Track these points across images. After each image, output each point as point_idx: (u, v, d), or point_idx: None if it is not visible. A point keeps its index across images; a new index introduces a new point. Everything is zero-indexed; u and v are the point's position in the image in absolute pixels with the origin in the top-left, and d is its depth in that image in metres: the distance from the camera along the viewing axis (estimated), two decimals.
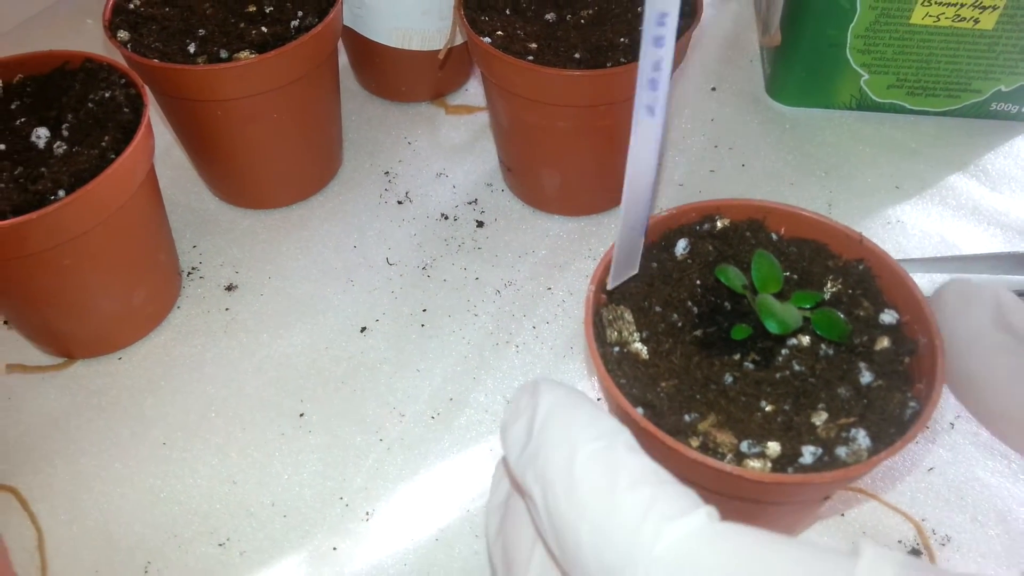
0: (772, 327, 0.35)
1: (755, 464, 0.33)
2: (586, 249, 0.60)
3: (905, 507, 0.47)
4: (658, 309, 0.39)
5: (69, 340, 0.53)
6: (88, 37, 0.77)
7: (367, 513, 0.47)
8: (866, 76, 0.67)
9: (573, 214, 0.62)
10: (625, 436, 0.28)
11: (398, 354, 0.54)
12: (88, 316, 0.52)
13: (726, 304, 0.39)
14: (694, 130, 0.68)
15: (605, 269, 0.39)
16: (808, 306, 0.37)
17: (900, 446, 0.33)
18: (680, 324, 0.38)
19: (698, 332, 0.38)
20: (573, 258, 0.59)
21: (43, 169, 0.47)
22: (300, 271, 0.59)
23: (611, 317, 0.38)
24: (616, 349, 0.37)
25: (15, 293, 0.49)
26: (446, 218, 0.62)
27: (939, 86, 0.66)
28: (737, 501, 0.35)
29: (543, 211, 0.62)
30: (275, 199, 0.63)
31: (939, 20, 0.62)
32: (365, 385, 0.53)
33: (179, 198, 0.64)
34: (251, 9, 0.56)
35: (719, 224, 0.42)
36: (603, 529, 0.25)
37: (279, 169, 0.60)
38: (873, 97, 0.68)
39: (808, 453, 0.34)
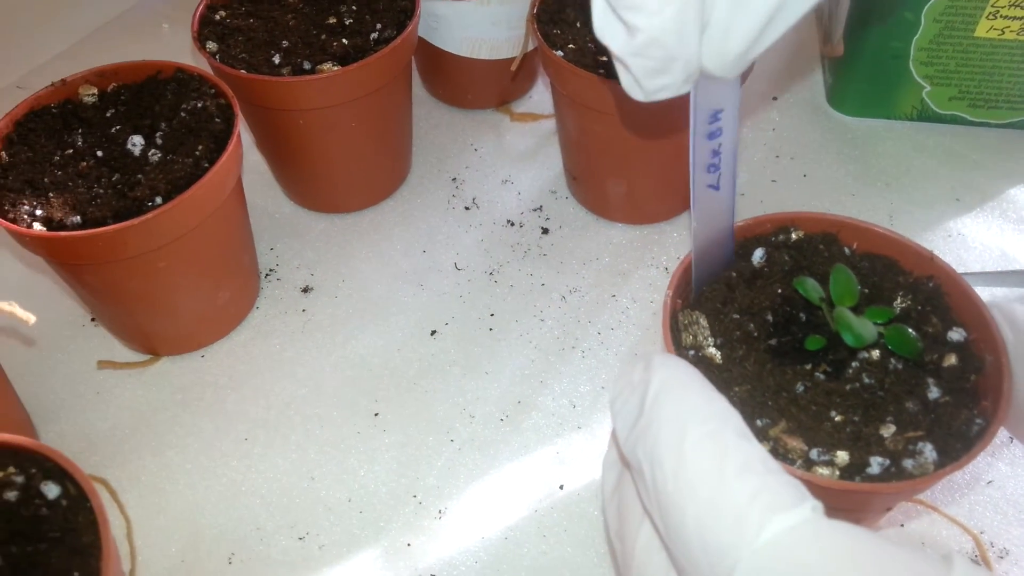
0: (849, 340, 0.36)
1: (824, 471, 0.35)
2: (649, 257, 0.61)
3: (964, 519, 0.48)
4: (734, 316, 0.40)
5: (156, 338, 0.56)
6: (165, 42, 0.80)
7: (439, 511, 0.49)
8: (928, 88, 0.67)
9: (636, 222, 0.63)
10: (736, 420, 0.28)
11: (467, 357, 0.56)
12: (175, 316, 0.54)
13: (800, 315, 0.40)
14: (755, 140, 0.69)
15: (682, 275, 0.40)
16: (881, 321, 0.38)
17: (966, 461, 0.34)
18: (755, 332, 0.40)
19: (772, 340, 0.39)
20: (636, 266, 0.61)
21: (140, 176, 0.49)
22: (372, 274, 0.61)
23: (687, 321, 0.40)
24: (691, 352, 0.39)
25: (110, 294, 0.52)
26: (512, 224, 0.64)
27: (1001, 98, 0.67)
28: None
29: (607, 219, 0.64)
30: (348, 204, 0.65)
31: (1004, 33, 0.63)
32: (436, 386, 0.55)
33: (257, 202, 0.66)
34: (332, 21, 0.59)
35: (793, 236, 0.43)
36: (708, 513, 0.26)
37: (353, 175, 0.63)
38: (935, 108, 0.68)
39: (876, 463, 0.35)
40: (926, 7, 0.62)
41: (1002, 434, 0.51)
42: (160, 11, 0.84)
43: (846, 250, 0.43)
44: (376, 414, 0.54)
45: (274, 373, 0.56)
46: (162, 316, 0.54)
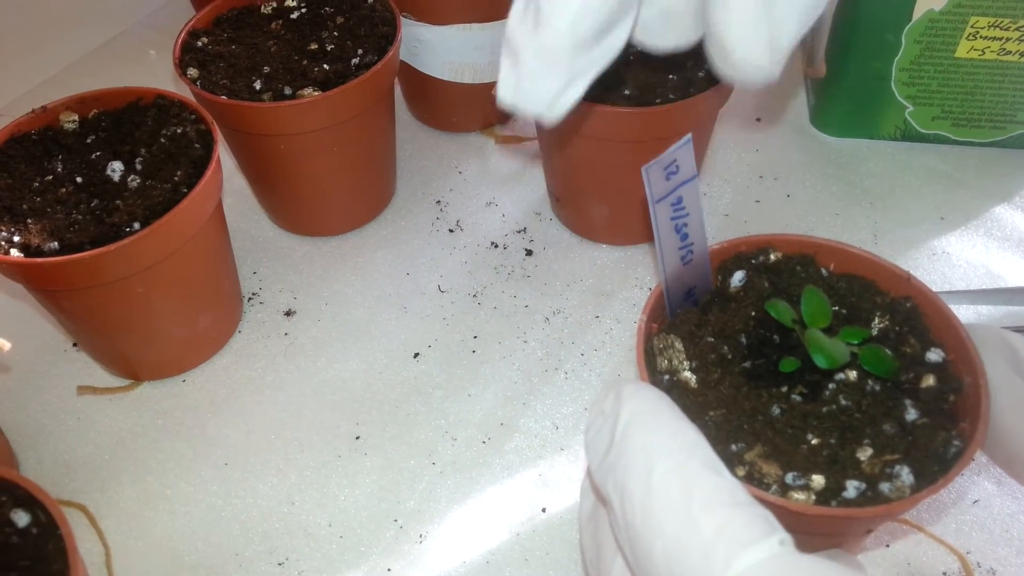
0: (820, 361, 0.36)
1: (799, 496, 0.34)
2: (633, 278, 0.61)
3: (950, 539, 0.47)
4: (709, 339, 0.40)
5: (136, 363, 0.56)
6: (152, 68, 0.80)
7: (420, 536, 0.49)
8: (911, 108, 0.67)
9: (620, 243, 0.63)
10: (704, 452, 0.28)
11: (450, 379, 0.56)
12: (156, 341, 0.54)
13: (775, 337, 0.40)
14: (739, 161, 0.69)
15: (657, 299, 0.40)
16: (856, 342, 0.38)
17: (942, 484, 0.34)
18: (730, 355, 0.39)
19: (747, 363, 0.39)
20: (620, 287, 0.61)
21: (118, 202, 0.49)
22: (355, 297, 0.61)
23: (662, 346, 0.40)
24: (666, 377, 0.39)
25: (89, 319, 0.51)
26: (496, 246, 0.64)
27: (984, 117, 0.67)
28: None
29: (591, 240, 0.64)
30: (332, 227, 0.65)
31: (984, 54, 0.63)
32: (418, 409, 0.55)
33: (240, 225, 0.66)
34: (313, 47, 0.59)
35: (772, 257, 0.43)
36: (676, 548, 0.26)
37: (336, 199, 0.63)
38: (918, 128, 0.69)
39: (852, 487, 0.34)
40: (907, 28, 0.62)
41: None
42: (147, 38, 0.85)
43: (823, 271, 0.43)
44: (357, 437, 0.53)
45: (255, 397, 0.56)
46: (142, 341, 0.54)
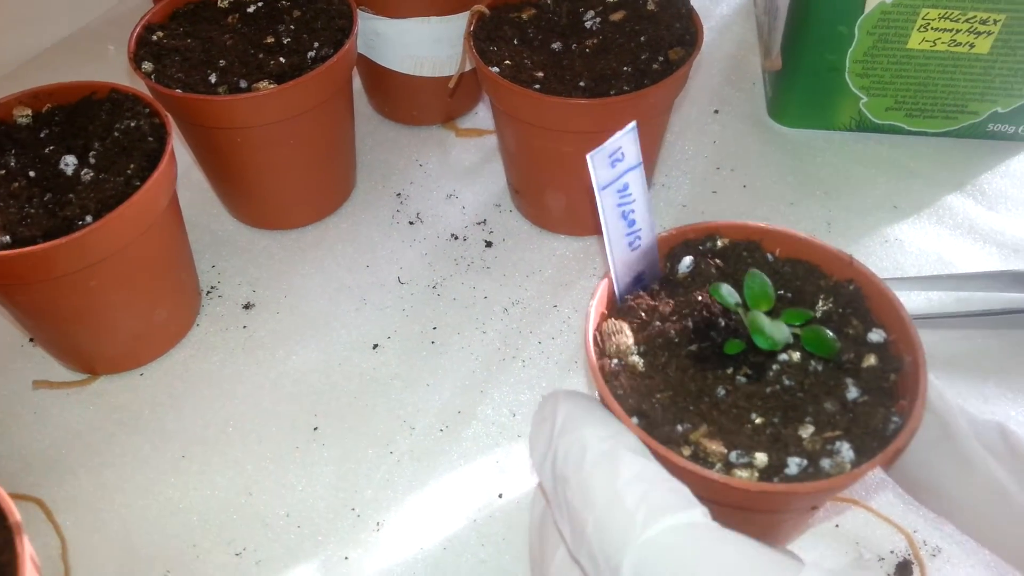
0: (760, 342, 0.37)
1: (742, 474, 0.35)
2: (591, 268, 0.62)
3: (897, 519, 0.48)
4: (657, 324, 0.40)
5: (93, 357, 0.56)
6: (110, 64, 0.80)
7: (377, 523, 0.49)
8: (865, 99, 0.68)
9: (578, 234, 0.64)
10: (628, 438, 0.32)
11: (409, 370, 0.56)
12: (112, 334, 0.54)
13: (721, 321, 0.41)
14: (697, 152, 0.70)
15: (607, 286, 0.41)
16: (798, 323, 0.39)
17: (880, 459, 0.34)
18: (677, 339, 0.40)
19: (693, 346, 0.40)
20: (578, 276, 0.61)
21: (71, 195, 0.49)
22: (315, 290, 0.61)
23: (611, 331, 0.40)
24: (615, 362, 0.39)
25: (43, 313, 0.51)
26: (456, 238, 0.64)
27: (936, 108, 0.68)
28: (728, 509, 0.36)
29: (550, 231, 0.64)
30: (291, 220, 0.65)
31: (935, 45, 0.64)
32: (377, 400, 0.55)
33: (199, 219, 0.66)
34: (269, 40, 0.59)
35: (719, 243, 0.44)
36: (604, 519, 0.29)
37: (295, 192, 0.63)
38: (872, 119, 0.70)
39: (793, 464, 0.35)
40: (859, 20, 0.63)
41: (933, 437, 0.52)
42: (106, 33, 0.85)
43: (769, 256, 0.44)
44: (316, 428, 0.54)
45: (213, 390, 0.56)
46: (98, 335, 0.54)
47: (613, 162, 0.37)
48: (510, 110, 0.56)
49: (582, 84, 0.55)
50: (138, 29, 0.59)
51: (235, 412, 0.55)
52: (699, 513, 0.29)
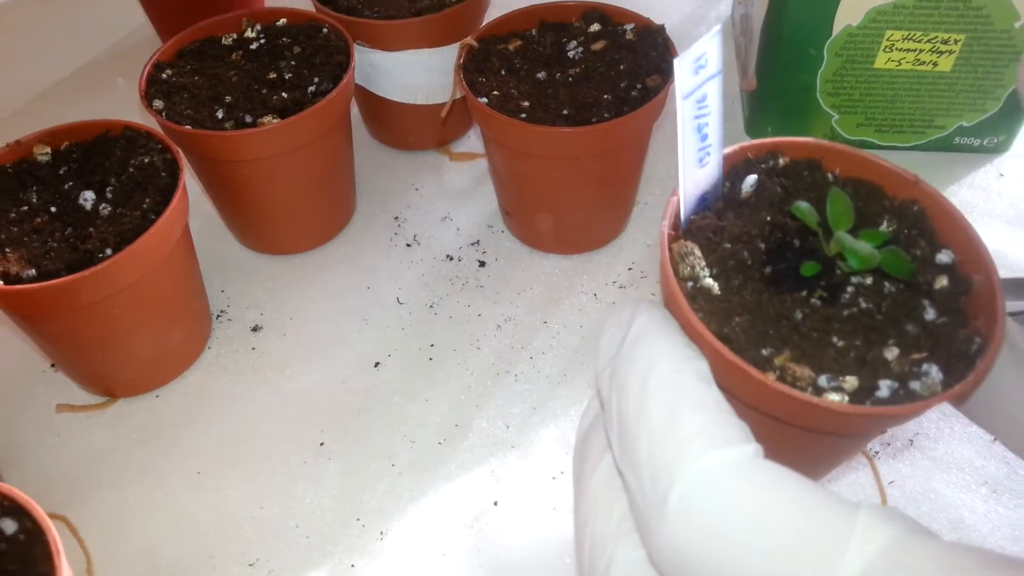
0: (855, 262, 0.36)
1: (835, 397, 0.34)
2: (579, 285, 0.65)
3: None
4: (726, 246, 0.39)
5: (112, 381, 0.59)
6: (120, 97, 0.84)
7: (381, 533, 0.53)
8: (836, 116, 0.72)
9: (567, 252, 0.67)
10: (698, 364, 0.31)
11: (408, 386, 0.60)
12: (130, 359, 0.57)
13: (794, 241, 0.39)
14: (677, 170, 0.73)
15: (674, 207, 0.39)
16: (875, 245, 0.37)
17: (973, 379, 0.34)
18: (749, 260, 0.39)
19: (767, 269, 0.38)
20: (567, 294, 0.65)
21: (91, 229, 0.53)
22: (319, 312, 0.65)
23: (682, 252, 0.38)
24: (689, 284, 0.37)
25: (65, 341, 0.55)
26: (451, 259, 0.68)
27: (905, 123, 0.72)
28: (809, 433, 0.36)
29: (540, 250, 0.68)
30: (295, 245, 0.68)
31: (900, 64, 0.67)
32: (379, 415, 0.58)
33: (208, 246, 0.69)
34: (272, 76, 0.62)
35: (780, 162, 0.42)
36: (659, 440, 0.28)
37: (298, 218, 0.66)
38: (844, 135, 0.73)
39: (885, 387, 0.34)
40: (827, 43, 0.67)
41: (903, 437, 0.55)
42: (114, 66, 0.88)
43: (829, 176, 0.42)
44: (322, 444, 0.57)
45: (225, 410, 0.59)
46: (117, 360, 0.57)
47: (697, 68, 0.35)
48: (498, 138, 0.60)
49: (565, 112, 0.58)
50: (148, 67, 0.63)
51: (246, 429, 0.58)
52: (753, 450, 0.28)
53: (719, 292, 0.37)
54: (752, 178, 0.41)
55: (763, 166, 0.41)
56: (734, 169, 0.41)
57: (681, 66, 0.33)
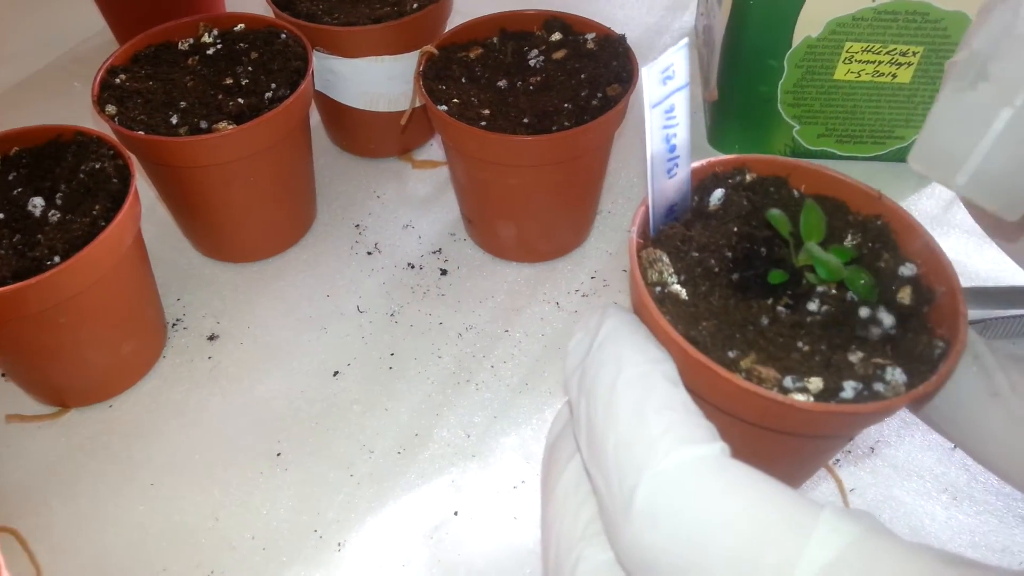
0: (823, 273, 0.37)
1: (800, 397, 0.35)
2: (541, 293, 0.65)
3: None
4: (694, 254, 0.40)
5: (63, 390, 0.58)
6: (76, 102, 0.82)
7: (339, 544, 0.52)
8: (797, 127, 0.72)
9: (529, 261, 0.67)
10: (666, 366, 0.31)
11: (368, 395, 0.59)
12: (81, 368, 0.56)
13: (761, 250, 0.41)
14: (641, 180, 0.73)
15: (643, 215, 0.40)
16: (843, 261, 0.38)
17: (935, 380, 0.34)
18: (716, 268, 0.40)
19: (734, 276, 0.39)
20: (529, 302, 0.64)
21: (39, 236, 0.51)
22: (277, 320, 0.64)
23: (650, 259, 0.39)
24: (657, 289, 0.38)
25: (14, 350, 0.54)
26: (412, 267, 0.67)
27: (865, 134, 0.72)
28: (777, 434, 0.37)
29: (501, 259, 0.67)
30: (253, 253, 0.68)
31: (860, 76, 0.68)
32: (337, 425, 0.58)
33: (164, 253, 0.68)
34: (228, 82, 0.62)
35: (747, 177, 0.43)
36: (626, 441, 0.29)
37: (256, 225, 0.65)
38: (805, 145, 0.74)
39: (849, 388, 0.35)
40: (788, 54, 0.67)
41: (863, 446, 0.56)
42: (71, 70, 0.87)
43: (795, 192, 0.43)
44: (278, 454, 0.56)
45: (180, 420, 0.58)
46: (68, 369, 0.56)
47: (665, 79, 0.35)
48: (458, 146, 0.59)
49: (526, 121, 0.58)
50: (101, 72, 0.62)
51: (201, 440, 0.57)
52: (720, 448, 0.28)
53: (687, 298, 0.38)
54: (719, 192, 0.42)
55: (730, 181, 0.43)
56: (702, 183, 0.43)
57: (649, 75, 0.34)
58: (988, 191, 0.32)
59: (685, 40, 0.35)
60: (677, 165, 0.38)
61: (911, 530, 0.52)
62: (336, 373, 0.60)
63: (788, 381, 0.35)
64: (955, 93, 0.32)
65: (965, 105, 0.32)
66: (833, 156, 0.74)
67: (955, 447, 0.45)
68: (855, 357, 0.36)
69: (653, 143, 0.36)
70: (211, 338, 0.63)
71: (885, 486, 0.54)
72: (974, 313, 0.55)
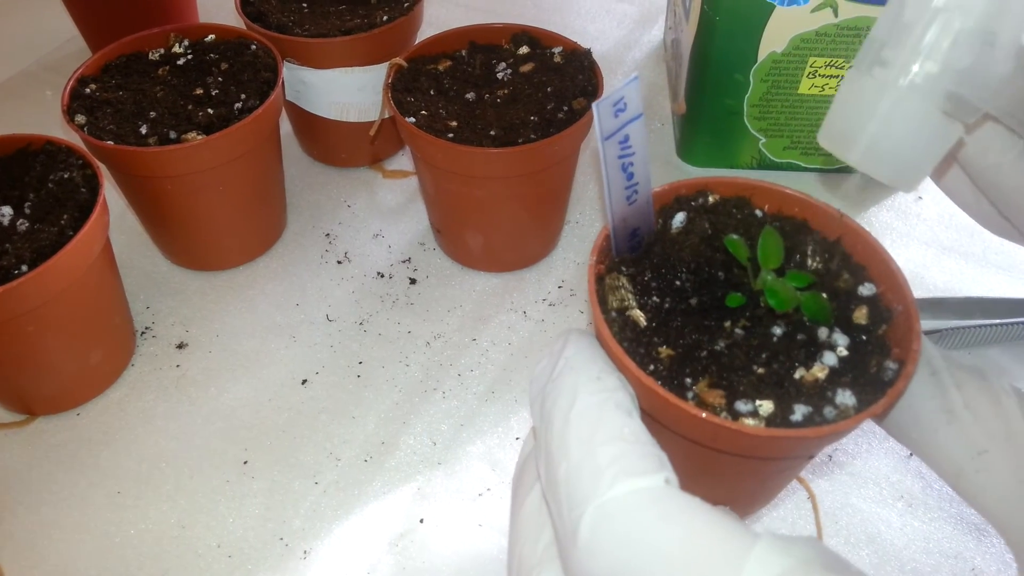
0: (775, 304, 0.37)
1: (750, 422, 0.35)
2: (508, 303, 0.66)
3: (786, 531, 0.53)
4: (655, 279, 0.41)
5: (31, 398, 0.58)
6: (47, 110, 0.82)
7: (305, 552, 0.52)
8: (763, 140, 0.74)
9: (497, 270, 0.68)
10: (620, 396, 0.32)
11: (335, 403, 0.60)
12: (49, 376, 0.56)
13: (719, 274, 0.41)
14: None
15: (604, 241, 0.40)
16: (799, 286, 0.39)
17: (883, 403, 0.35)
18: (676, 293, 0.40)
19: (693, 300, 0.40)
20: (496, 311, 0.65)
21: (7, 245, 0.52)
22: (246, 329, 0.64)
23: (612, 285, 0.40)
24: (616, 315, 0.39)
25: None
26: (382, 276, 0.68)
27: None
28: (732, 457, 0.37)
29: (470, 268, 0.68)
30: (223, 262, 0.68)
31: (823, 90, 0.69)
32: (304, 433, 0.58)
33: (133, 261, 0.69)
34: (198, 92, 0.62)
35: (710, 199, 0.44)
36: (576, 471, 0.29)
37: (226, 235, 0.66)
38: (771, 158, 0.75)
39: (799, 412, 0.36)
40: (753, 69, 0.68)
41: (822, 452, 0.57)
42: (43, 78, 0.87)
43: (758, 212, 0.44)
44: (245, 462, 0.56)
45: (147, 428, 0.58)
46: (35, 377, 0.56)
47: (616, 112, 0.36)
48: (426, 157, 0.60)
49: (493, 133, 0.59)
50: (71, 82, 0.62)
51: (168, 448, 0.57)
52: (664, 479, 0.29)
53: (645, 323, 0.38)
54: (681, 215, 0.42)
55: (693, 203, 0.43)
56: (665, 207, 0.43)
57: (600, 110, 0.35)
58: (880, 165, 0.35)
59: (635, 75, 0.36)
60: (636, 192, 0.39)
61: (867, 537, 0.53)
62: (304, 381, 0.61)
63: (740, 405, 0.36)
64: (855, 77, 0.35)
65: (861, 88, 0.35)
66: (798, 168, 0.76)
67: (911, 455, 0.46)
68: (809, 379, 0.37)
69: (609, 172, 0.37)
70: (180, 346, 0.63)
71: (843, 493, 0.55)
72: (931, 324, 0.57)
